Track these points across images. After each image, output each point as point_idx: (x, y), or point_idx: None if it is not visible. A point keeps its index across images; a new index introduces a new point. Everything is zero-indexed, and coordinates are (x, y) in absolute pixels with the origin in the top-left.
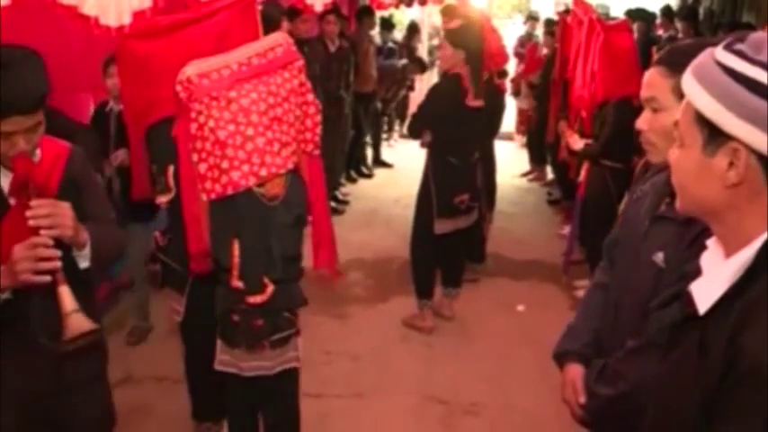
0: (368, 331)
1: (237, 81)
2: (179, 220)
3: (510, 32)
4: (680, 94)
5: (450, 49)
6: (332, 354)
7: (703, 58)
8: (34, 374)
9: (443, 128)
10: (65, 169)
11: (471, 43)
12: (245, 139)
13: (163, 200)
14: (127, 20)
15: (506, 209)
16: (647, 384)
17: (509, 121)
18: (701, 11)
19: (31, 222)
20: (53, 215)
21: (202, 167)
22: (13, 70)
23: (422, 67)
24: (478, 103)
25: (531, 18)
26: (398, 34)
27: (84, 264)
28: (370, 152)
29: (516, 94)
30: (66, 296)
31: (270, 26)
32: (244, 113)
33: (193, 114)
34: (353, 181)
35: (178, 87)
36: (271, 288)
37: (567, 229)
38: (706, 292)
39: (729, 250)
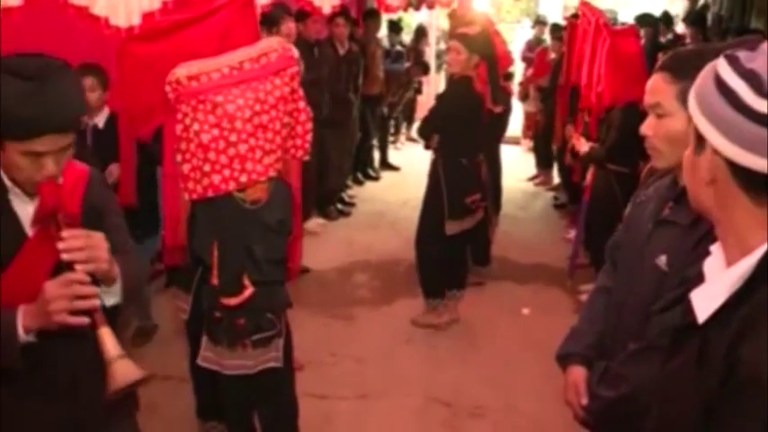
0: (373, 333)
1: (226, 86)
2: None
3: (518, 37)
4: (684, 100)
5: (465, 54)
6: (337, 355)
7: (709, 65)
8: (54, 428)
9: (455, 130)
10: (85, 195)
11: (487, 49)
12: (227, 144)
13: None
14: (136, 21)
15: (512, 213)
16: (649, 387)
17: (516, 125)
18: (710, 16)
19: (64, 256)
20: (88, 247)
21: (186, 168)
22: (50, 82)
23: (425, 70)
24: (498, 109)
25: (539, 22)
26: (407, 37)
27: (112, 300)
28: (376, 155)
29: (524, 98)
30: (109, 340)
31: (272, 26)
32: (228, 119)
33: (180, 116)
34: (360, 183)
35: (167, 88)
36: (250, 290)
37: (572, 234)
38: (705, 301)
39: (730, 257)
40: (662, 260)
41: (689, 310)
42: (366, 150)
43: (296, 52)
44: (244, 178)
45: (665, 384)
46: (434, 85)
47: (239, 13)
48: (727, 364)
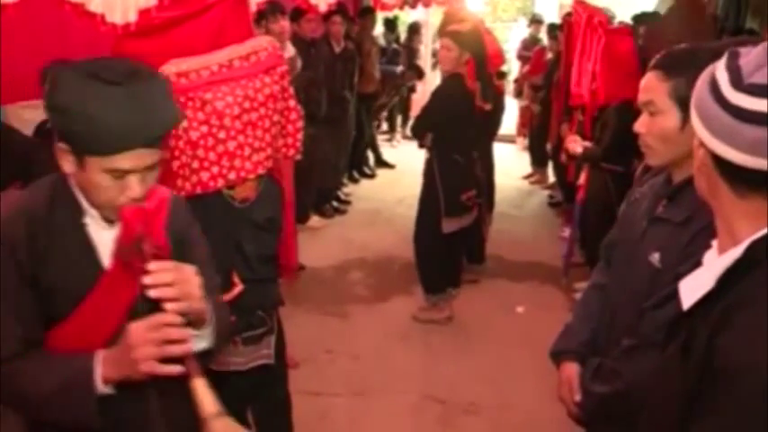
0: (369, 330)
1: (215, 83)
2: None
3: (514, 35)
4: (676, 98)
5: (456, 51)
6: (333, 353)
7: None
8: None
9: (449, 127)
10: (168, 222)
11: (477, 46)
12: (216, 141)
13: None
14: (132, 17)
15: (507, 211)
16: (642, 382)
17: (511, 123)
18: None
19: (152, 293)
20: (179, 282)
21: (175, 164)
22: (140, 88)
23: (419, 75)
24: (487, 106)
25: (535, 21)
26: (402, 36)
27: (202, 345)
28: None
29: (518, 94)
30: (205, 393)
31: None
32: (217, 116)
33: None
34: (356, 181)
35: None
36: (239, 287)
37: (567, 232)
38: (691, 289)
39: (722, 245)
40: (656, 257)
41: (678, 299)
42: (361, 148)
43: (292, 50)
44: (233, 176)
45: (654, 376)
46: (430, 82)
47: (232, 10)
48: (707, 354)
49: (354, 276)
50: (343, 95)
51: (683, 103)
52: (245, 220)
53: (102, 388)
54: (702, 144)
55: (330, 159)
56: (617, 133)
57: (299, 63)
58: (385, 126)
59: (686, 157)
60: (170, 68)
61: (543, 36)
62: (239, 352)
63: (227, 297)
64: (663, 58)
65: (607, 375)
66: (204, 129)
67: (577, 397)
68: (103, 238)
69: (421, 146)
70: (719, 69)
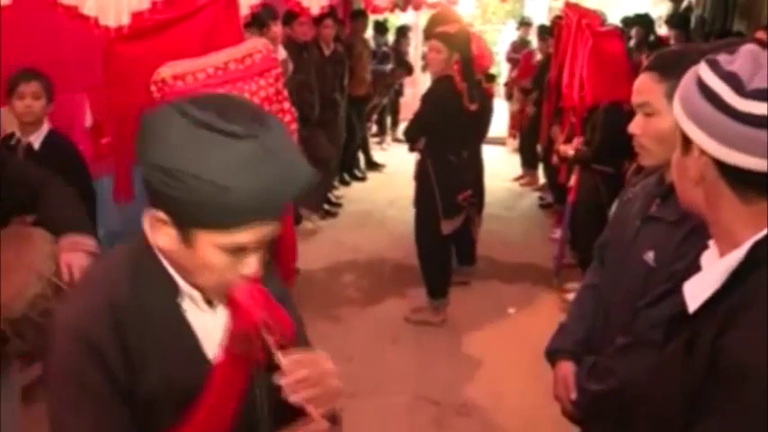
0: (361, 332)
1: (211, 85)
2: None
3: (503, 38)
4: (672, 99)
5: (445, 52)
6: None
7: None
8: None
9: (442, 128)
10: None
11: (464, 47)
12: None
13: None
14: (126, 20)
15: (498, 213)
16: (637, 380)
17: (501, 125)
18: (693, 19)
19: (293, 398)
20: (317, 379)
21: None
22: (270, 139)
23: (408, 71)
24: (474, 106)
25: (524, 24)
26: (392, 38)
27: None
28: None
29: (509, 97)
30: None
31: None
32: None
33: None
34: (346, 184)
35: (153, 87)
36: None
37: (558, 233)
38: (696, 291)
39: (722, 251)
40: (649, 256)
41: (682, 301)
42: (352, 151)
43: (283, 53)
44: None
45: (655, 373)
46: (420, 85)
47: (222, 12)
48: (712, 355)
49: (346, 278)
50: (334, 98)
51: None
52: None
53: None
54: (704, 155)
55: (326, 160)
56: (607, 134)
57: (290, 66)
58: (375, 128)
59: None
60: (166, 71)
61: (533, 38)
62: None
63: None
64: (656, 59)
65: (602, 374)
66: None
67: (573, 395)
68: (204, 322)
69: (412, 150)
70: (712, 79)
